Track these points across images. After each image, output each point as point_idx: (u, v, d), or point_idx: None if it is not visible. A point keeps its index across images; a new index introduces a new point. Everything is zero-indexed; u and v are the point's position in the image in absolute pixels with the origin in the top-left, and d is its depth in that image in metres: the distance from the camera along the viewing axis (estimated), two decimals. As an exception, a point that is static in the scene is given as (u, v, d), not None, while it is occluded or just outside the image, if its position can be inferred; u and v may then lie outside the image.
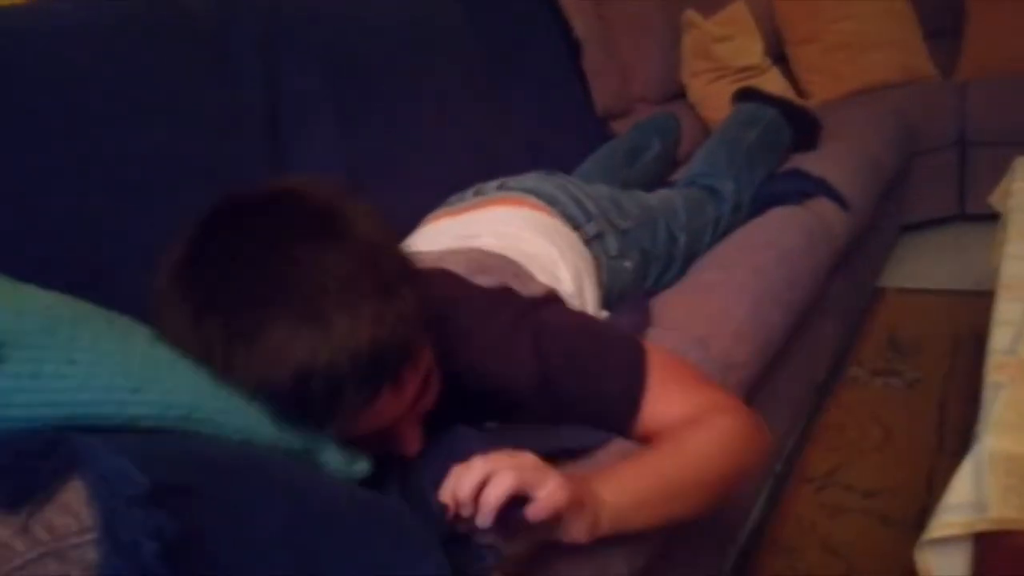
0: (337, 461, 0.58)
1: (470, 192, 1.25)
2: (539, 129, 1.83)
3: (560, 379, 0.76)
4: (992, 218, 1.60)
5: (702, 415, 0.76)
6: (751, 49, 2.53)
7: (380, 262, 0.59)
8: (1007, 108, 2.43)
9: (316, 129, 1.31)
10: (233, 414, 0.53)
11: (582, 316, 0.82)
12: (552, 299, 0.85)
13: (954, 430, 1.53)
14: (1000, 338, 0.83)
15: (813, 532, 1.33)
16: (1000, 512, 0.67)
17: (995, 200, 1.52)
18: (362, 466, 0.61)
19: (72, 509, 0.45)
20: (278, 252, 0.57)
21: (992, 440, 0.68)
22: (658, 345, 0.82)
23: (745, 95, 1.95)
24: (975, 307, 1.90)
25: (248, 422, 0.54)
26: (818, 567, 1.24)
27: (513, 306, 0.80)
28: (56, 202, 0.92)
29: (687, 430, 0.74)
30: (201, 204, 1.10)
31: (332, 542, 0.54)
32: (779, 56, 2.72)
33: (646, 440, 0.77)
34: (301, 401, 0.56)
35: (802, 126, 1.89)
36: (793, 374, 1.48)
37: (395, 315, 0.58)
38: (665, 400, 0.77)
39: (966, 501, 0.68)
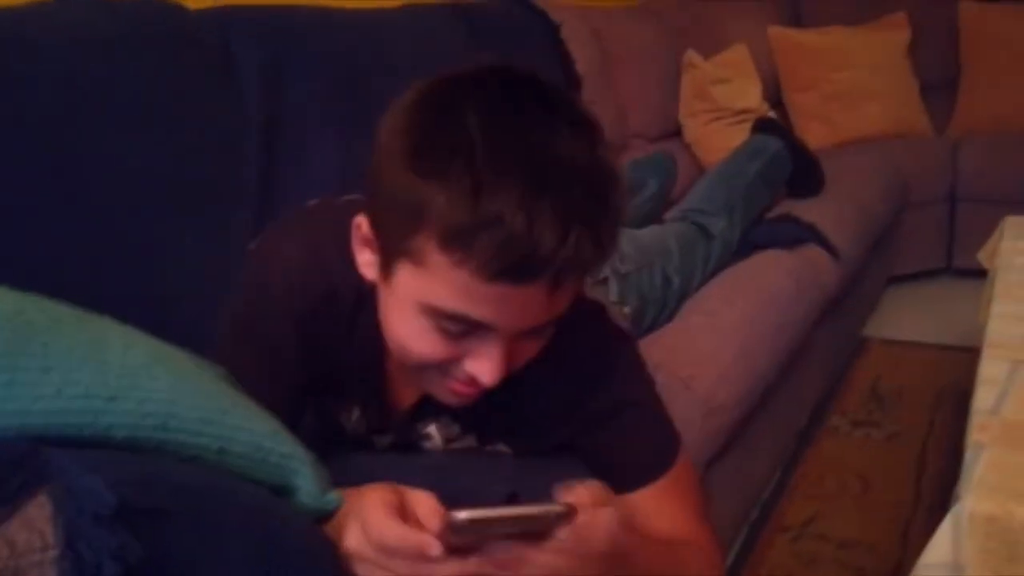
0: (310, 487, 0.57)
1: None
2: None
3: (607, 419, 0.75)
4: (979, 274, 1.62)
5: (690, 542, 0.75)
6: (749, 92, 2.57)
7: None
8: (998, 166, 2.48)
9: (314, 146, 1.31)
10: (211, 423, 0.52)
11: (648, 371, 0.80)
12: (630, 336, 0.83)
13: (932, 484, 1.53)
14: (983, 397, 0.83)
15: (787, 582, 1.32)
16: (976, 573, 0.67)
17: (983, 257, 1.54)
18: (334, 497, 0.60)
19: (36, 525, 0.44)
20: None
21: (972, 501, 0.68)
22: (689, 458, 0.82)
23: (763, 125, 1.98)
24: (958, 362, 1.92)
25: (224, 431, 0.53)
26: (791, 617, 1.24)
27: (614, 326, 0.78)
28: (52, 210, 0.91)
29: (682, 545, 0.74)
30: (197, 215, 1.10)
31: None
32: (776, 101, 2.76)
33: None
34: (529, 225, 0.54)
35: (805, 170, 1.91)
36: (775, 420, 1.48)
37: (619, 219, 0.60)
38: (667, 502, 0.76)
39: (943, 561, 0.68)
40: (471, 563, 0.53)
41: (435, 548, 0.51)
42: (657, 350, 1.17)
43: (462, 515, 0.49)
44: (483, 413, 0.70)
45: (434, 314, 0.60)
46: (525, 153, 0.56)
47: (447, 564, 0.52)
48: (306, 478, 0.57)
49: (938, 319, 2.31)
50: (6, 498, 0.44)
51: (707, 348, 1.18)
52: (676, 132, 2.55)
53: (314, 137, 1.30)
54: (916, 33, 2.80)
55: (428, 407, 0.76)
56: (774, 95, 2.76)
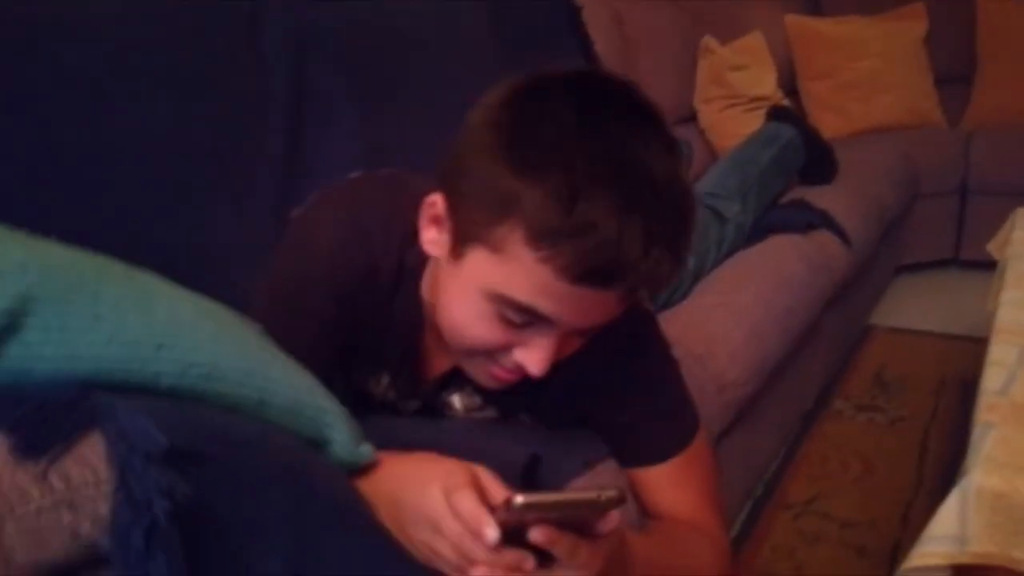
0: (344, 439, 0.59)
1: None
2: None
3: (630, 397, 0.77)
4: (986, 266, 1.63)
5: (698, 527, 0.76)
6: (764, 80, 2.57)
7: None
8: (1010, 159, 2.48)
9: (337, 123, 1.32)
10: (252, 375, 0.54)
11: (671, 352, 0.82)
12: (653, 316, 0.84)
13: (933, 469, 1.55)
14: (993, 379, 0.85)
15: (789, 558, 1.34)
16: (982, 547, 0.69)
17: (993, 248, 1.55)
18: (366, 450, 0.62)
19: (90, 462, 0.46)
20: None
21: (980, 476, 0.69)
22: (707, 440, 0.83)
23: (778, 113, 1.98)
24: (963, 351, 1.94)
25: (267, 384, 0.54)
26: (791, 593, 1.26)
27: (640, 307, 0.78)
28: (78, 174, 0.93)
29: (688, 535, 0.75)
30: (222, 180, 1.12)
31: (331, 537, 0.55)
32: (791, 89, 2.76)
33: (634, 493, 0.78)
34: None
35: (819, 158, 1.92)
36: (782, 400, 1.50)
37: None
38: (679, 482, 0.78)
39: (949, 533, 0.70)
40: (506, 557, 0.54)
41: (492, 534, 0.52)
42: (671, 328, 1.18)
43: (520, 499, 0.50)
44: (507, 387, 0.71)
45: (500, 302, 0.61)
46: (622, 165, 0.57)
47: (489, 551, 0.53)
48: (340, 432, 0.59)
49: (944, 309, 2.32)
50: (61, 437, 0.46)
51: (720, 327, 1.19)
52: (691, 117, 2.56)
53: (339, 111, 1.31)
54: (933, 25, 2.79)
55: (455, 378, 0.78)
56: (789, 83, 2.75)
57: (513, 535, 0.53)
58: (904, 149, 2.46)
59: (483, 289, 0.62)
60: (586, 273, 0.57)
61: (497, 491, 0.57)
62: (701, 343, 1.13)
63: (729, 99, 2.50)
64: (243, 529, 0.50)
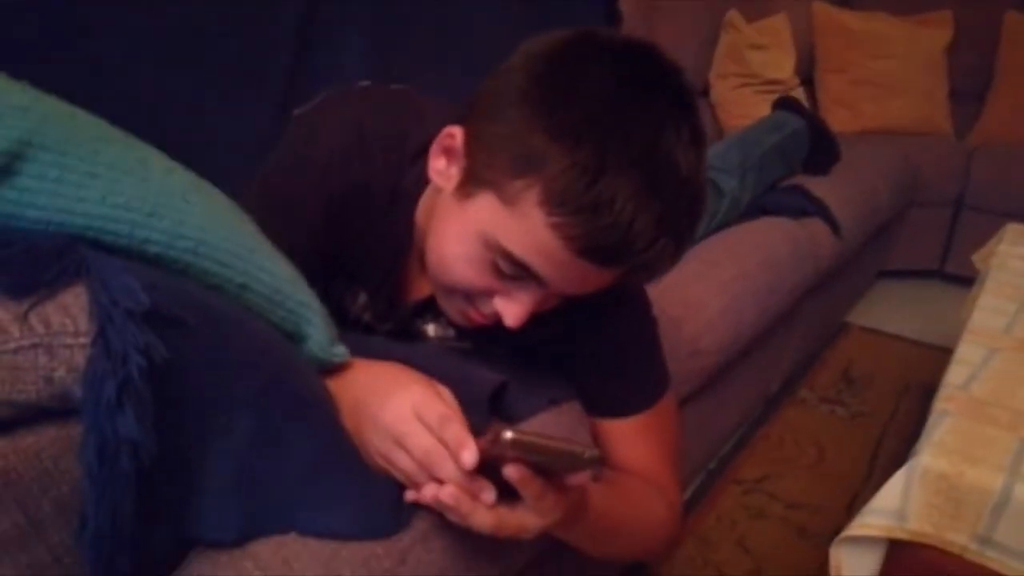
0: (321, 336, 0.60)
1: None
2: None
3: (604, 351, 0.77)
4: (969, 282, 1.65)
5: (654, 482, 0.78)
6: (782, 63, 2.55)
7: None
8: (1009, 179, 2.49)
9: (346, 42, 1.30)
10: (237, 257, 0.54)
11: (652, 311, 0.83)
12: None
13: (885, 465, 1.59)
14: (956, 374, 0.87)
15: (732, 529, 1.38)
16: (919, 525, 0.71)
17: (978, 259, 1.57)
18: (340, 351, 0.63)
19: (71, 312, 0.46)
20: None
21: (928, 458, 0.72)
22: (675, 401, 0.84)
23: (784, 103, 1.98)
24: (933, 360, 1.97)
25: (251, 269, 0.55)
26: (729, 562, 1.30)
27: None
28: (88, 61, 0.92)
29: (643, 489, 0.77)
30: (223, 83, 1.10)
31: (291, 425, 0.56)
32: (807, 78, 2.75)
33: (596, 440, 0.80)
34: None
35: (823, 149, 1.92)
36: (749, 379, 1.52)
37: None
38: (642, 438, 0.79)
39: (890, 508, 0.72)
40: (472, 484, 0.55)
41: (469, 458, 0.53)
42: (652, 288, 1.20)
43: (508, 434, 0.51)
44: (484, 328, 0.72)
45: (496, 250, 0.61)
46: (653, 150, 0.57)
47: (458, 473, 0.54)
48: (317, 328, 0.60)
49: (921, 318, 2.36)
50: (45, 282, 0.46)
51: (699, 294, 1.21)
52: (704, 91, 2.54)
53: (349, 26, 1.30)
54: (958, 34, 2.77)
55: (432, 307, 0.78)
56: (806, 71, 2.74)
57: (485, 466, 0.54)
58: (908, 154, 2.47)
59: (483, 234, 0.62)
60: (592, 249, 0.58)
61: (455, 410, 0.58)
62: (679, 306, 1.15)
63: (744, 77, 2.49)
64: (209, 402, 0.52)
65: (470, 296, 0.67)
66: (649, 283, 0.81)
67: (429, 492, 0.56)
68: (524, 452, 0.52)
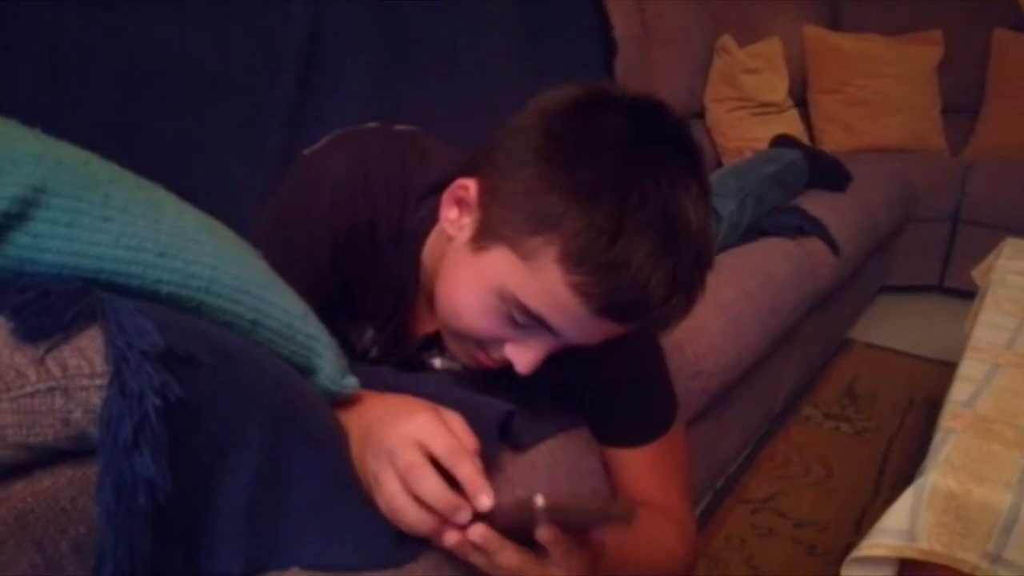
0: (331, 369, 0.61)
1: None
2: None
3: (614, 383, 0.77)
4: (968, 295, 1.66)
5: (667, 512, 0.78)
6: (776, 86, 2.58)
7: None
8: (1005, 194, 2.51)
9: (350, 73, 1.32)
10: (248, 294, 0.55)
11: (659, 341, 0.83)
12: None
13: (892, 480, 1.59)
14: (960, 391, 0.87)
15: (741, 549, 1.38)
16: (929, 544, 0.71)
17: (977, 275, 1.58)
18: (351, 382, 0.64)
19: (87, 354, 0.47)
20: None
21: (936, 477, 0.72)
22: (683, 428, 0.84)
23: (783, 141, 2.02)
24: (936, 374, 1.98)
25: (261, 305, 0.56)
26: (739, 582, 1.30)
27: None
28: (91, 99, 0.93)
29: (656, 523, 0.76)
30: (229, 122, 1.12)
31: (300, 459, 0.56)
32: (800, 100, 2.78)
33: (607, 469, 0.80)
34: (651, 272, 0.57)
35: (830, 172, 1.96)
36: (753, 398, 1.53)
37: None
38: (652, 468, 0.79)
39: (899, 527, 0.73)
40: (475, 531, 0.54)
41: (486, 502, 0.54)
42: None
43: (540, 500, 0.51)
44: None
45: (512, 302, 0.62)
46: (668, 209, 0.58)
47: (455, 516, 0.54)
48: (328, 361, 0.61)
49: (922, 332, 2.37)
50: (61, 325, 0.47)
51: (702, 317, 1.21)
52: (699, 114, 2.57)
53: (351, 62, 1.31)
54: (948, 52, 2.81)
55: (438, 342, 0.78)
56: (800, 93, 2.77)
57: (510, 528, 0.55)
58: (903, 171, 2.49)
59: (497, 287, 0.62)
60: (610, 307, 0.59)
61: (468, 439, 0.58)
62: (682, 329, 1.14)
63: (739, 101, 2.51)
64: (222, 438, 0.52)
65: (481, 342, 0.68)
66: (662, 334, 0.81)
67: (452, 537, 0.54)
68: (555, 515, 0.52)
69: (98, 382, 0.46)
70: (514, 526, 0.55)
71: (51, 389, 0.45)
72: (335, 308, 0.79)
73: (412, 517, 0.55)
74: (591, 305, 0.59)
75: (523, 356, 0.65)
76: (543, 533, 0.53)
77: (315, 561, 0.56)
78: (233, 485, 0.53)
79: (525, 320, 0.62)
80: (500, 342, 0.66)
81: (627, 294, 0.57)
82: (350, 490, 0.59)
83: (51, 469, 0.46)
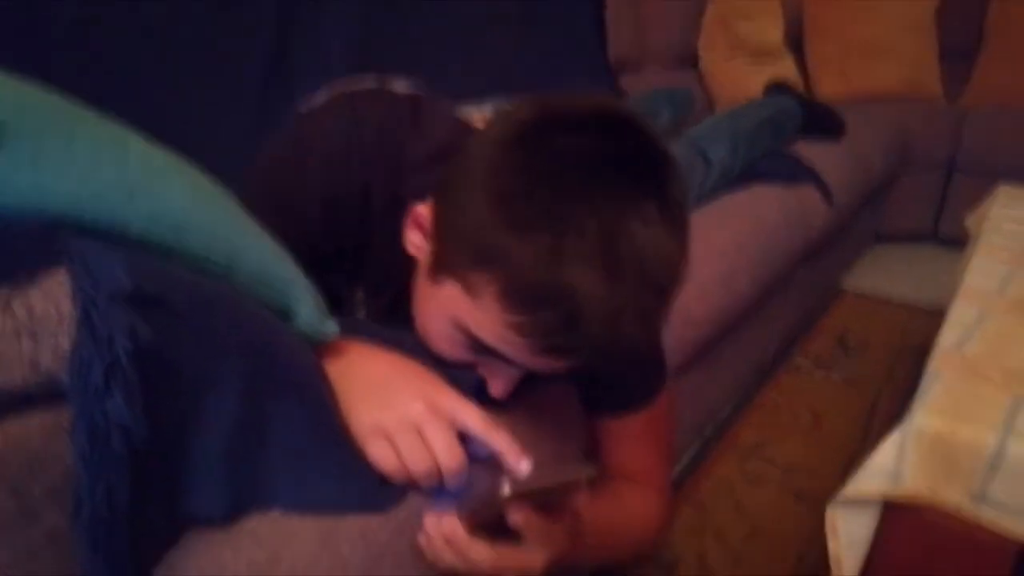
0: (309, 312, 0.60)
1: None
2: (552, 64, 1.82)
3: (605, 351, 0.76)
4: (963, 244, 1.65)
5: (645, 479, 0.78)
6: (770, 32, 2.53)
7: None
8: (1001, 141, 2.49)
9: (332, 19, 1.28)
10: (221, 237, 0.54)
11: None
12: None
13: (881, 427, 1.60)
14: (949, 335, 0.87)
15: (729, 494, 1.39)
16: (914, 486, 0.72)
17: (971, 222, 1.57)
18: (331, 328, 0.63)
19: (54, 297, 0.46)
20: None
21: (922, 418, 0.72)
22: (670, 395, 0.82)
23: (776, 88, 1.98)
24: (928, 323, 1.97)
25: (236, 247, 0.54)
26: (726, 525, 1.31)
27: None
28: (69, 51, 0.91)
29: (634, 494, 0.76)
30: (206, 61, 1.09)
31: (281, 407, 0.55)
32: (796, 46, 2.73)
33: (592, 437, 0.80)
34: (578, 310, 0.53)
35: (823, 120, 1.93)
36: (744, 347, 1.53)
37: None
38: (636, 434, 0.78)
39: (885, 469, 0.73)
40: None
41: (462, 536, 0.55)
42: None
43: (506, 490, 0.50)
44: None
45: (467, 334, 0.60)
46: (611, 238, 0.53)
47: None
48: (306, 305, 0.60)
49: (915, 282, 2.36)
50: (26, 266, 0.46)
51: (692, 264, 1.20)
52: (692, 61, 2.52)
53: (333, 7, 1.28)
54: (947, -4, 2.76)
55: None
56: (795, 39, 2.72)
57: (482, 525, 0.55)
58: (899, 119, 2.46)
59: (452, 318, 0.61)
60: (551, 348, 0.56)
61: (465, 410, 0.59)
62: (673, 277, 1.14)
63: (733, 48, 2.47)
64: (197, 383, 0.51)
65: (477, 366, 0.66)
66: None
67: (429, 523, 0.57)
68: (523, 498, 0.52)
69: (66, 326, 0.45)
70: (484, 520, 0.55)
71: (18, 331, 0.44)
72: (327, 267, 0.77)
73: (423, 468, 0.57)
74: (533, 345, 0.56)
75: (495, 383, 0.65)
76: (515, 518, 0.53)
77: (296, 502, 0.56)
78: (211, 429, 0.52)
79: (484, 352, 0.61)
80: (472, 367, 0.65)
81: (569, 333, 0.54)
82: (332, 434, 0.59)
83: (22, 414, 0.45)
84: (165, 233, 0.52)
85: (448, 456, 0.57)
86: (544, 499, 0.55)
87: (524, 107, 0.59)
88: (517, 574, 0.57)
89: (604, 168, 0.55)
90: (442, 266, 0.61)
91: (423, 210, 0.65)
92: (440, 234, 0.62)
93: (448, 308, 0.61)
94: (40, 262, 0.46)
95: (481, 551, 0.55)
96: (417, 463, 0.57)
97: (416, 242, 0.66)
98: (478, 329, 0.59)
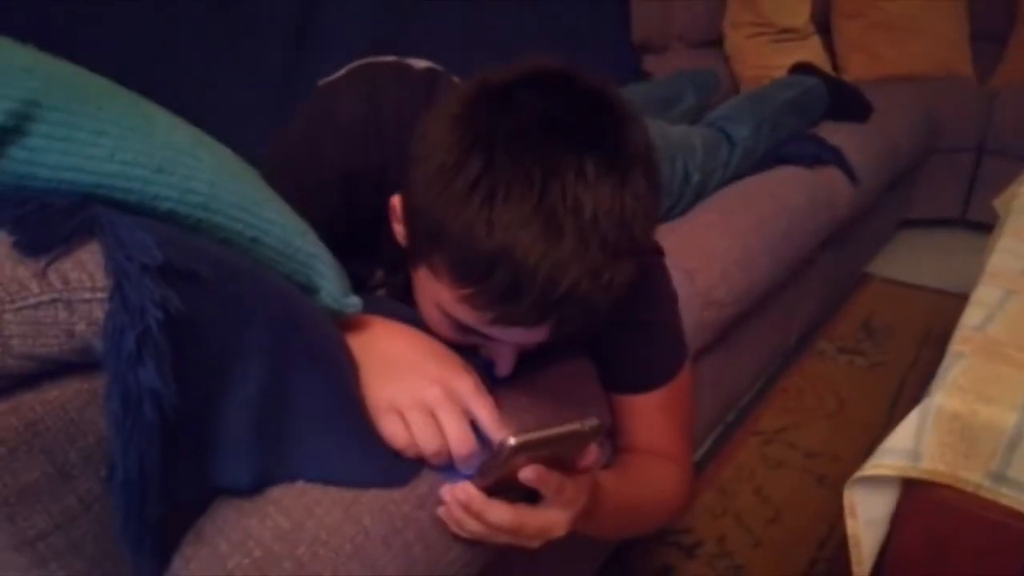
0: (332, 287, 0.61)
1: None
2: (574, 44, 1.82)
3: (624, 331, 0.76)
4: (991, 228, 1.62)
5: (669, 456, 0.78)
6: (797, 11, 2.50)
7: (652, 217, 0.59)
8: (1032, 123, 2.43)
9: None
10: (247, 211, 0.55)
11: (672, 286, 0.81)
12: (661, 251, 0.83)
13: (905, 413, 1.58)
14: (972, 316, 0.86)
15: (751, 479, 1.40)
16: (932, 464, 0.72)
17: (999, 203, 1.55)
18: (353, 302, 0.64)
19: (87, 268, 0.47)
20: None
21: (942, 397, 0.72)
22: (689, 373, 0.82)
23: (801, 69, 1.96)
24: (954, 308, 1.94)
25: (259, 222, 0.56)
26: (748, 510, 1.31)
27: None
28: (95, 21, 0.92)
29: (656, 466, 0.77)
30: (227, 35, 1.10)
31: (305, 376, 0.57)
32: (823, 26, 2.68)
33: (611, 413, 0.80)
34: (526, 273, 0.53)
35: (849, 102, 1.90)
36: (766, 330, 1.52)
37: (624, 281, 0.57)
38: (657, 412, 0.79)
39: (904, 448, 0.73)
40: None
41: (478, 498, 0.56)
42: (667, 241, 1.19)
43: (511, 440, 0.50)
44: None
45: (449, 315, 0.61)
46: (543, 198, 0.52)
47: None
48: (329, 280, 0.61)
49: (942, 266, 2.33)
50: (61, 238, 0.47)
51: (714, 245, 1.20)
52: (717, 41, 2.50)
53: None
54: (979, -26, 2.69)
55: None
56: (822, 18, 2.68)
57: (497, 487, 0.55)
58: (927, 100, 2.42)
59: (434, 302, 0.62)
60: (502, 316, 0.56)
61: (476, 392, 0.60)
62: (693, 258, 1.14)
63: (758, 26, 2.44)
64: (224, 353, 0.53)
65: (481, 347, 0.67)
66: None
67: (445, 491, 0.58)
68: (530, 451, 0.52)
69: (99, 295, 0.47)
70: (499, 485, 0.55)
71: (54, 301, 0.46)
72: (345, 245, 0.78)
73: (433, 448, 0.58)
74: (487, 318, 0.56)
75: (497, 361, 0.66)
76: (526, 473, 0.53)
77: (320, 475, 0.57)
78: (238, 398, 0.53)
79: (469, 332, 0.62)
80: (474, 348, 0.66)
81: (514, 299, 0.54)
82: (353, 408, 0.60)
83: (58, 381, 0.47)
84: (193, 208, 0.53)
85: (459, 442, 0.58)
86: (554, 454, 0.55)
87: (464, 84, 0.60)
88: (540, 535, 0.57)
89: (535, 130, 0.55)
90: (413, 252, 0.63)
91: (396, 200, 0.65)
92: (407, 220, 0.63)
93: (428, 292, 0.62)
94: (74, 233, 0.48)
95: (500, 512, 0.56)
96: (428, 443, 0.58)
97: (400, 232, 0.67)
98: (451, 309, 0.60)
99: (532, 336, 0.60)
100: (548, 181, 0.53)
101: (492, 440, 0.58)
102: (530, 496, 0.57)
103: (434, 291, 0.60)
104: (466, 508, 0.56)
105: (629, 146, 0.56)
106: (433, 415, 0.58)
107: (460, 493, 0.56)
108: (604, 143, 0.55)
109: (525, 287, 0.53)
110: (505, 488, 0.56)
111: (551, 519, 0.57)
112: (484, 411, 0.59)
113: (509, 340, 0.62)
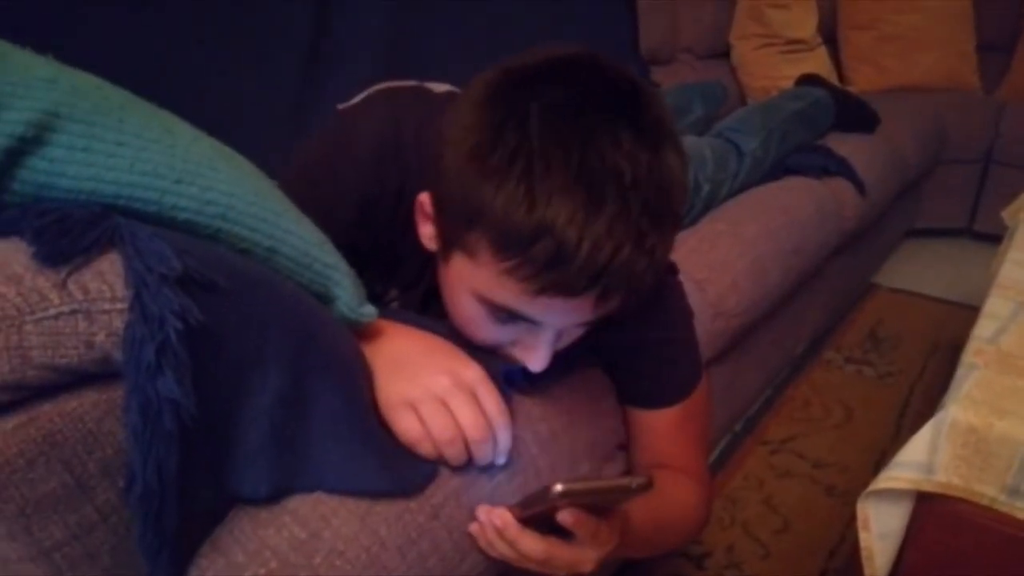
0: (348, 296, 0.61)
1: None
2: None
3: (641, 349, 0.76)
4: (999, 239, 1.62)
5: (686, 472, 0.78)
6: (805, 23, 2.50)
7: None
8: (1040, 134, 2.44)
9: (366, 12, 1.29)
10: (265, 221, 0.55)
11: (687, 303, 0.81)
12: (676, 270, 0.83)
13: (912, 423, 1.58)
14: (984, 328, 0.86)
15: (759, 489, 1.39)
16: (946, 477, 0.71)
17: (1008, 214, 1.54)
18: (369, 311, 0.64)
19: (107, 278, 0.48)
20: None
21: (956, 410, 0.71)
22: (705, 388, 0.82)
23: (808, 80, 1.96)
24: (961, 318, 1.95)
25: (276, 232, 0.56)
26: (756, 520, 1.31)
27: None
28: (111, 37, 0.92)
29: (677, 485, 0.76)
30: (241, 53, 1.10)
31: (322, 385, 0.57)
32: (830, 37, 2.69)
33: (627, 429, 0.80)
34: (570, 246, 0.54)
35: (856, 114, 1.91)
36: (774, 340, 1.52)
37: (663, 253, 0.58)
38: (677, 430, 0.79)
39: (918, 461, 0.72)
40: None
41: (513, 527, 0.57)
42: (677, 250, 1.19)
43: (558, 487, 0.51)
44: None
45: (485, 302, 0.61)
46: (583, 166, 0.54)
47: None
48: (345, 290, 0.61)
49: (949, 277, 2.33)
50: (81, 249, 0.47)
51: (724, 255, 1.20)
52: (725, 53, 2.50)
53: (367, 1, 1.29)
54: (986, -15, 2.70)
55: None
56: (829, 30, 2.68)
57: (534, 520, 0.56)
58: (935, 110, 2.42)
59: (469, 291, 0.62)
60: (548, 286, 0.56)
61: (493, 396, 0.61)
62: (703, 269, 1.14)
63: (765, 38, 2.44)
64: (243, 363, 0.53)
65: (493, 350, 0.67)
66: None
67: (481, 513, 0.59)
68: (575, 499, 0.53)
69: (119, 306, 0.47)
70: (535, 517, 0.56)
71: (74, 312, 0.46)
72: (361, 265, 0.79)
73: (447, 436, 0.59)
74: (533, 288, 0.56)
75: (530, 356, 0.65)
76: (564, 516, 0.54)
77: (339, 485, 0.57)
78: (256, 408, 0.53)
79: (507, 317, 0.62)
80: (508, 347, 0.66)
81: (560, 266, 0.54)
82: (370, 416, 0.60)
83: (76, 392, 0.47)
84: (211, 218, 0.53)
85: (473, 428, 0.59)
86: (595, 501, 0.56)
87: (484, 74, 0.60)
88: (568, 568, 0.58)
89: (566, 105, 0.56)
90: (446, 242, 0.63)
91: (424, 197, 0.66)
92: (438, 211, 0.63)
93: (463, 281, 0.62)
94: (94, 244, 0.48)
95: (532, 543, 0.56)
96: (441, 431, 0.58)
97: (428, 232, 0.67)
98: (488, 291, 0.60)
99: (576, 312, 0.60)
100: (586, 150, 0.54)
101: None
102: (562, 528, 0.57)
103: (471, 276, 0.60)
104: (500, 534, 0.57)
105: (659, 122, 0.57)
106: (444, 404, 0.59)
107: (496, 519, 0.57)
108: (635, 117, 0.56)
109: (570, 252, 0.54)
110: (540, 517, 0.56)
111: (581, 556, 0.58)
112: (490, 400, 0.60)
113: (551, 322, 0.62)
